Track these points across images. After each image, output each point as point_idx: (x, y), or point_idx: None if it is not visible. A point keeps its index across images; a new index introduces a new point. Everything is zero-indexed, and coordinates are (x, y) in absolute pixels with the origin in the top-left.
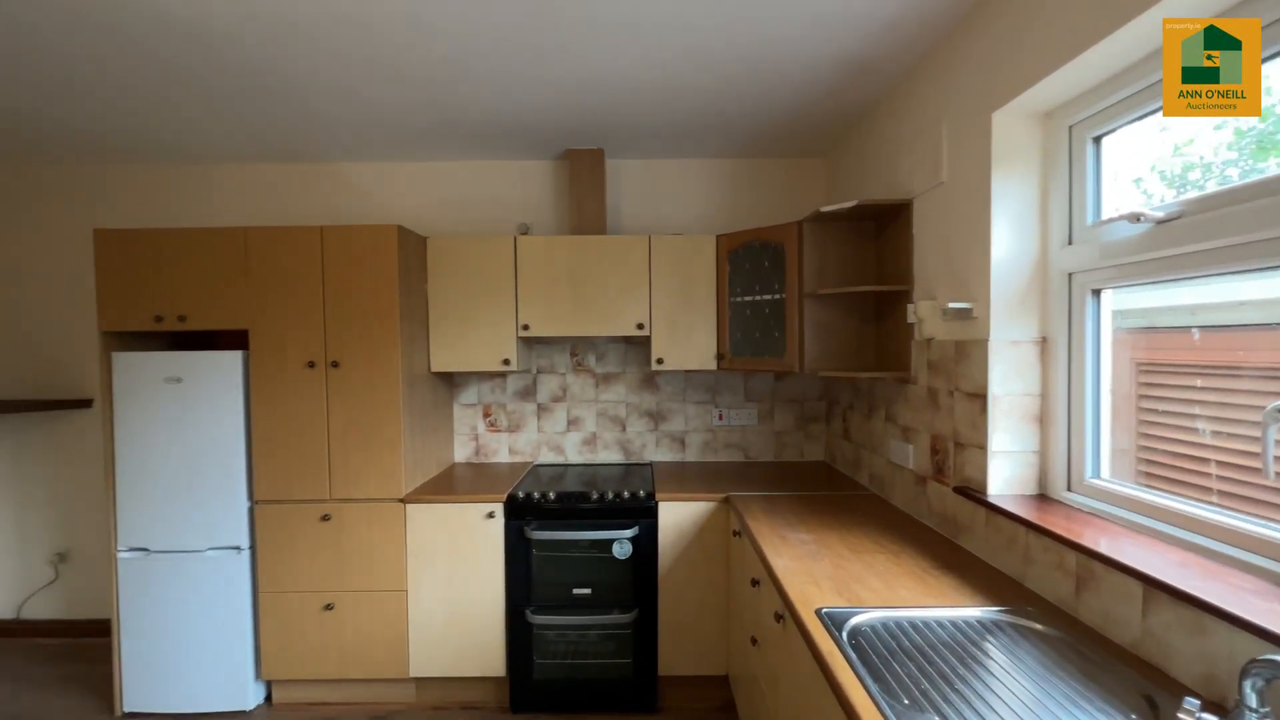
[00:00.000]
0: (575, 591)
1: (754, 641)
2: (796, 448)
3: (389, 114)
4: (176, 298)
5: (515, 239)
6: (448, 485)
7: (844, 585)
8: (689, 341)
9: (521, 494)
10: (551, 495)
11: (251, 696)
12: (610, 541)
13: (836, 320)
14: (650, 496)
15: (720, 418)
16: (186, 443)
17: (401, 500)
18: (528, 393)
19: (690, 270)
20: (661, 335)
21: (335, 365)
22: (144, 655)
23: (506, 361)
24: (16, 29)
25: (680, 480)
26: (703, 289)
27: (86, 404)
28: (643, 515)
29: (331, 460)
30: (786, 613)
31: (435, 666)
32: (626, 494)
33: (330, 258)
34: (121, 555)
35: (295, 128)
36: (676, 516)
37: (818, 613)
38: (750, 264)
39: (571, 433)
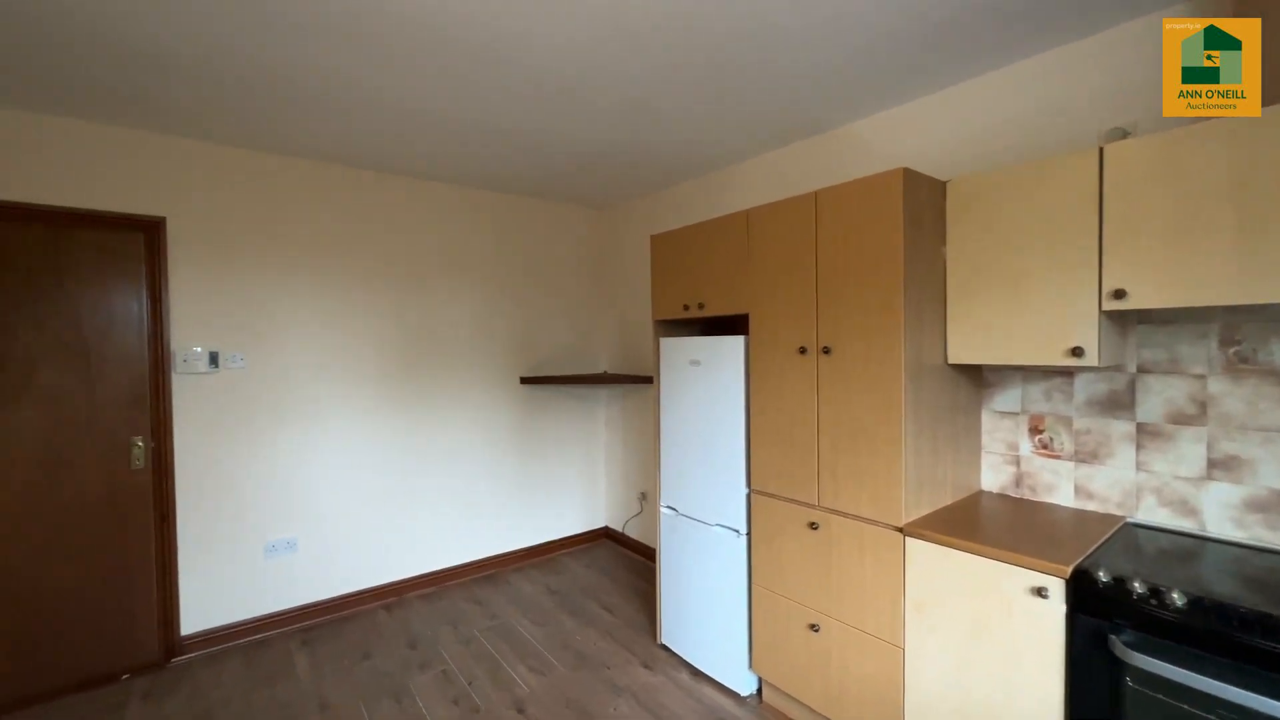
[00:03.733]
0: None
1: None
2: None
3: (890, 36)
4: (697, 286)
5: (1100, 151)
6: (967, 523)
7: None
8: None
9: (1105, 575)
10: (1177, 598)
11: (746, 683)
12: None
13: None
14: None
15: None
16: (702, 422)
17: (899, 529)
18: (1116, 403)
19: None
20: None
21: (827, 351)
22: (672, 598)
23: (1077, 351)
24: (630, 82)
25: None
26: None
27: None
28: None
29: (820, 461)
30: None
31: None
32: None
33: (824, 225)
34: (662, 508)
35: (796, 93)
36: None
37: None
38: None
39: (1218, 482)
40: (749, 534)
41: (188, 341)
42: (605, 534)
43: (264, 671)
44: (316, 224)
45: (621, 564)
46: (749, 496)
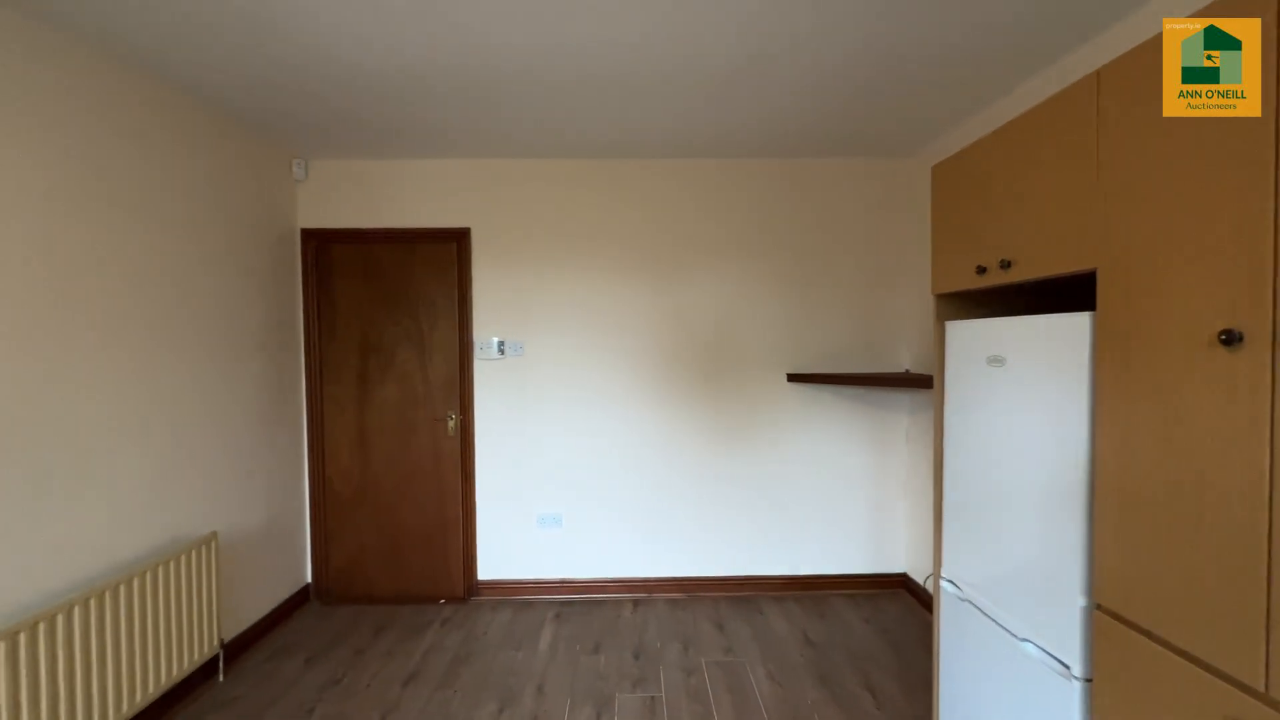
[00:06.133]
0: None
1: None
2: None
3: None
4: (1002, 232)
5: None
6: None
7: None
8: None
9: None
10: None
11: None
12: None
13: None
14: None
15: None
16: (1006, 460)
17: None
18: None
19: None
20: None
21: None
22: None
23: None
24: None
25: None
26: None
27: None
28: None
29: (1273, 578)
30: None
31: None
32: None
33: None
34: (943, 581)
35: None
36: None
37: None
38: None
39: None
40: (1088, 681)
41: (484, 332)
42: (903, 583)
43: (517, 634)
44: (584, 219)
45: (914, 631)
46: (1090, 613)
